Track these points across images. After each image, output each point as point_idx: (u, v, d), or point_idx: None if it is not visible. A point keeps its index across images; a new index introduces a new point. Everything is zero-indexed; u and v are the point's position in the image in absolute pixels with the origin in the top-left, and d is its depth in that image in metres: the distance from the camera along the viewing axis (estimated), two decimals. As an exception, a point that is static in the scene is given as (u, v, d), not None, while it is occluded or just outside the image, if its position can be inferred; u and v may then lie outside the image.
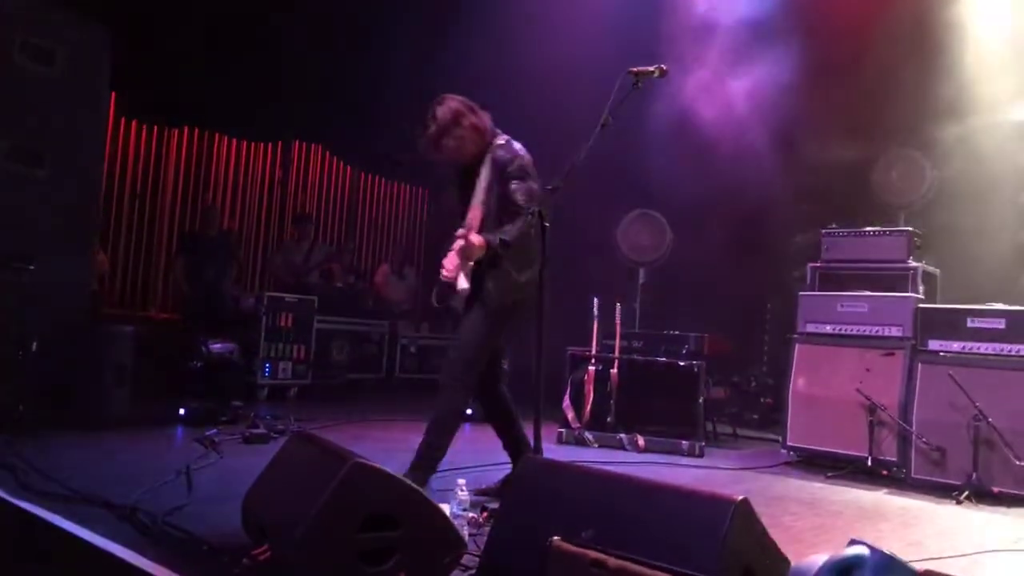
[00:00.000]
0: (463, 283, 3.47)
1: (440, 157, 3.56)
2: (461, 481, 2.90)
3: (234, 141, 9.53)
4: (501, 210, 3.45)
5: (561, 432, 5.56)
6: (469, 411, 6.29)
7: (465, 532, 2.72)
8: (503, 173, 3.47)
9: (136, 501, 2.93)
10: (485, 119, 3.59)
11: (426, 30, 8.56)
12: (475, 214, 3.48)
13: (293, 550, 2.15)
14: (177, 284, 7.76)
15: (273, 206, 9.91)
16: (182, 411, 5.17)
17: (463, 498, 2.83)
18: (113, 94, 7.28)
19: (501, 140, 3.59)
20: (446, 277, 3.49)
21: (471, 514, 2.88)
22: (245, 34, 7.88)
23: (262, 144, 9.76)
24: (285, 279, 8.12)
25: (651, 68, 3.29)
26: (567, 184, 3.08)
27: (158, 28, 7.28)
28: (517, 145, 3.58)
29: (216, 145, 9.41)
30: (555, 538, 1.85)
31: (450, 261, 3.48)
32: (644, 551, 2.01)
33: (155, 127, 8.83)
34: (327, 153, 10.36)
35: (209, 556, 2.47)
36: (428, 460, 3.53)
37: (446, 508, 2.77)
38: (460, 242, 3.40)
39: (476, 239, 3.36)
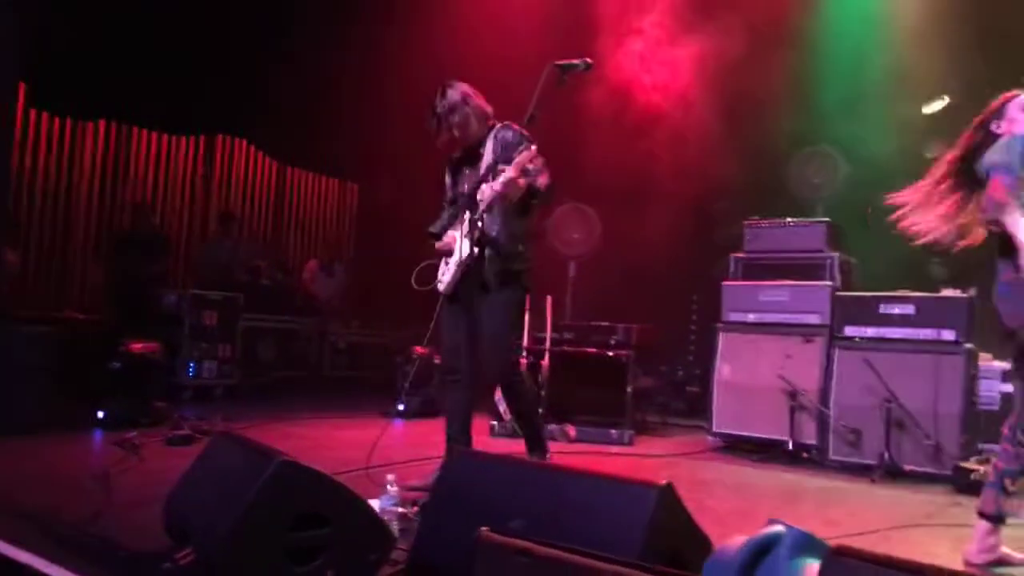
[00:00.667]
0: (467, 248, 3.50)
1: (446, 137, 3.66)
2: (391, 476, 2.89)
3: (154, 135, 9.22)
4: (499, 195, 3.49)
5: (493, 425, 5.58)
6: (401, 407, 6.30)
7: (395, 527, 2.71)
8: (508, 148, 3.56)
9: (51, 508, 2.82)
10: (486, 104, 3.71)
11: (353, 24, 8.46)
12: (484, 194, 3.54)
13: (217, 551, 2.11)
14: (99, 283, 7.49)
15: (196, 202, 9.63)
16: (100, 414, 4.99)
17: (393, 493, 2.82)
18: (22, 84, 6.97)
19: (500, 124, 3.71)
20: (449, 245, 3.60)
21: (401, 509, 2.87)
22: (163, 24, 7.63)
23: (184, 138, 9.47)
24: (210, 276, 7.91)
25: (577, 61, 3.33)
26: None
27: (70, 15, 6.98)
28: (515, 125, 3.65)
29: (135, 139, 9.09)
30: (483, 529, 1.86)
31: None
32: (572, 539, 2.04)
33: (68, 119, 8.47)
34: (252, 148, 10.12)
35: (129, 562, 2.40)
36: (542, 440, 3.82)
37: (375, 504, 2.76)
38: (496, 185, 3.40)
39: (516, 177, 3.35)
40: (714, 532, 2.34)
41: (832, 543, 2.68)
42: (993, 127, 3.06)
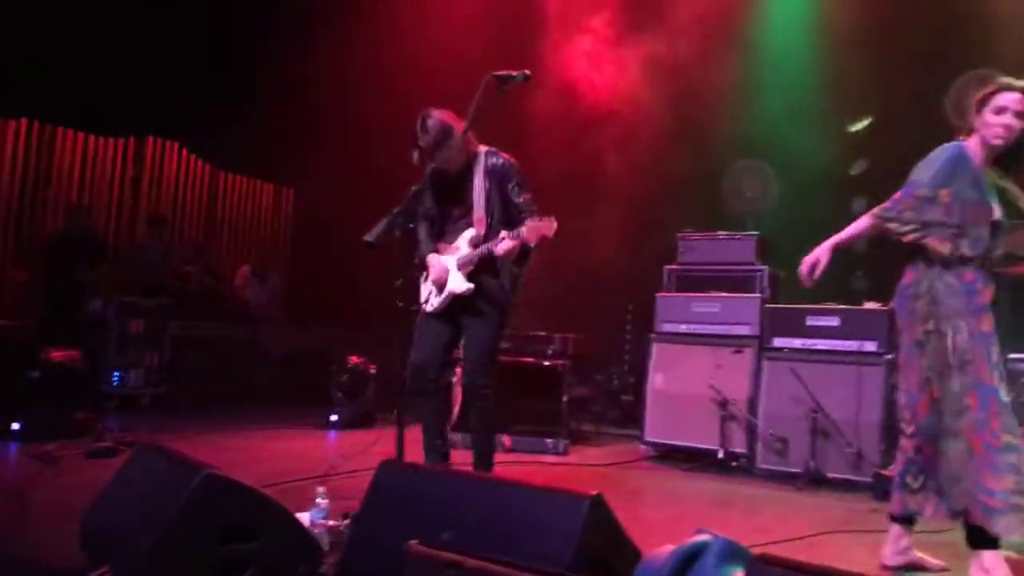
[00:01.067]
0: (463, 285, 3.67)
1: (431, 168, 3.67)
2: (321, 489, 2.84)
3: (80, 135, 8.90)
4: (504, 214, 3.70)
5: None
6: (335, 417, 6.21)
7: (326, 540, 2.67)
8: (503, 180, 3.72)
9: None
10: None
11: (288, 25, 8.35)
12: (480, 219, 3.71)
13: (136, 569, 2.04)
14: (20, 287, 7.19)
15: (124, 205, 9.33)
16: (16, 425, 4.78)
17: (323, 506, 2.77)
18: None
19: (485, 148, 3.80)
20: (440, 278, 3.73)
21: (332, 522, 2.82)
22: (91, 19, 7.40)
23: (111, 140, 9.17)
24: (138, 282, 7.66)
25: (515, 72, 3.34)
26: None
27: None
28: (504, 154, 3.81)
29: (59, 139, 8.76)
30: (412, 541, 1.84)
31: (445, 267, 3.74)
32: (503, 550, 2.04)
33: (-14, 117, 8.12)
34: (184, 150, 9.86)
35: (43, 581, 2.30)
36: (492, 458, 3.86)
37: (305, 517, 2.71)
38: (464, 257, 3.67)
39: (512, 244, 3.53)
40: (645, 541, 2.37)
41: (759, 550, 2.75)
42: (972, 118, 2.96)
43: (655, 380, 5.47)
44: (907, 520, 3.02)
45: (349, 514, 3.01)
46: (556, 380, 5.63)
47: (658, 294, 5.73)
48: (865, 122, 6.79)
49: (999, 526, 2.67)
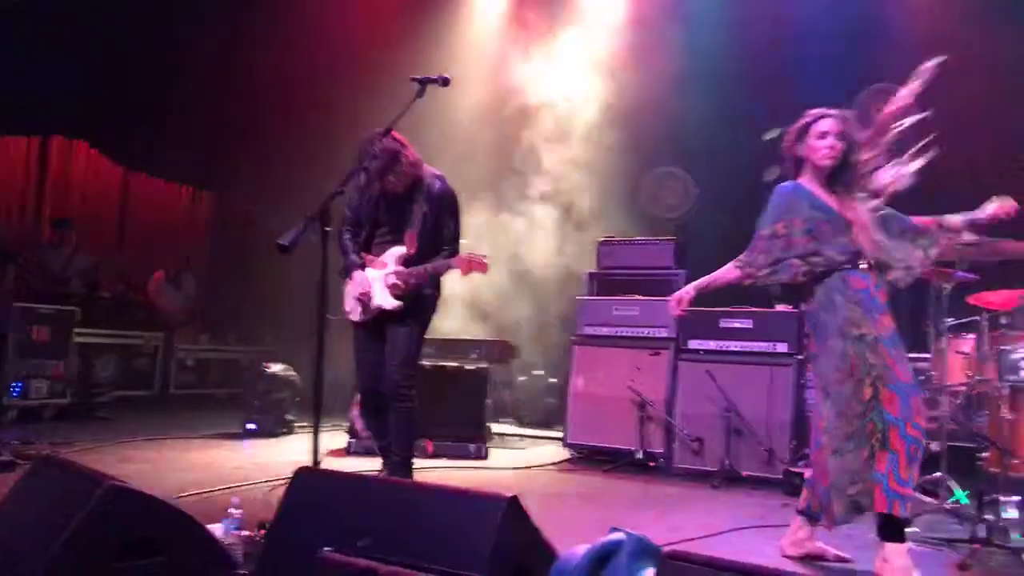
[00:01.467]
0: (391, 303, 3.80)
1: (376, 188, 3.84)
2: (235, 499, 2.77)
3: (-21, 134, 8.45)
4: (436, 237, 3.87)
5: (351, 443, 5.47)
6: (251, 426, 6.06)
7: (239, 552, 2.60)
8: (442, 208, 3.89)
9: None
10: (415, 152, 3.87)
11: (207, 23, 8.12)
12: (412, 239, 3.83)
13: (33, 588, 1.94)
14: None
15: (27, 207, 8.89)
16: (-95, 440, 4.49)
17: (236, 516, 2.70)
18: None
19: (433, 171, 3.94)
20: (364, 295, 3.84)
21: (246, 532, 2.75)
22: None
23: (13, 139, 8.72)
24: (41, 288, 7.31)
25: (434, 76, 3.35)
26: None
27: None
28: (446, 181, 3.97)
29: (-46, 138, 8.30)
30: (325, 549, 1.82)
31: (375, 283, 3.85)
32: (420, 555, 2.03)
33: None
34: (93, 150, 9.46)
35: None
36: (409, 466, 3.91)
37: (218, 528, 2.64)
38: (394, 283, 3.80)
39: (406, 286, 3.79)
40: (563, 542, 2.39)
41: (672, 548, 2.81)
42: (796, 150, 3.13)
43: (576, 383, 5.54)
44: (810, 516, 3.14)
45: (265, 524, 2.95)
46: (478, 384, 5.63)
47: (579, 297, 5.81)
48: (776, 131, 7.02)
49: (902, 509, 2.80)
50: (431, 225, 3.86)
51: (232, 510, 2.74)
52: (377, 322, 3.87)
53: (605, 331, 5.59)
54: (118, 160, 9.64)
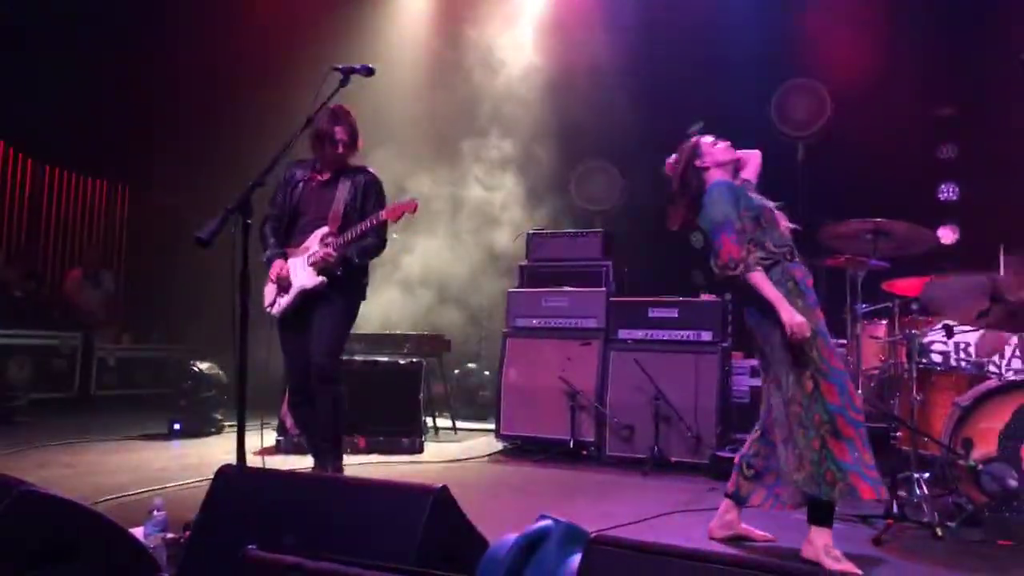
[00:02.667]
0: (313, 280, 3.73)
1: (327, 156, 3.83)
2: (158, 501, 2.69)
3: None
4: (360, 232, 3.76)
5: (280, 440, 5.38)
6: (178, 426, 5.90)
7: (163, 554, 2.54)
8: (367, 193, 3.87)
9: None
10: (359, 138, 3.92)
11: (124, 11, 7.83)
12: (336, 217, 3.80)
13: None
14: None
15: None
16: None
17: (159, 518, 2.63)
18: None
19: (357, 162, 3.97)
20: (283, 278, 3.76)
21: (170, 535, 2.68)
22: None
23: (-88, 129, 8.26)
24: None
25: (357, 66, 3.31)
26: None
27: None
28: (372, 169, 4.00)
29: None
30: (250, 547, 1.79)
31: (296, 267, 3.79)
32: (348, 549, 2.02)
33: None
34: (2, 143, 9.01)
35: None
36: (340, 456, 3.88)
37: (139, 531, 2.57)
38: (324, 251, 3.72)
39: (335, 255, 3.71)
40: (495, 532, 2.40)
41: (602, 533, 2.84)
42: (697, 163, 3.27)
43: (508, 374, 5.57)
44: (737, 499, 3.23)
45: (190, 525, 2.88)
46: (412, 378, 5.60)
47: (509, 290, 5.83)
48: (699, 125, 7.18)
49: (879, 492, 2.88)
50: (356, 209, 3.83)
51: (155, 512, 2.67)
52: (300, 312, 3.79)
53: (536, 323, 5.63)
54: (29, 153, 9.21)
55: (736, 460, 3.30)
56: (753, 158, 3.39)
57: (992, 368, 4.01)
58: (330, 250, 3.71)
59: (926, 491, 3.66)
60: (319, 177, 3.90)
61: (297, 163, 3.98)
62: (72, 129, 8.25)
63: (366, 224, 3.73)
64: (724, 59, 6.86)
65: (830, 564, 2.82)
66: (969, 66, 6.34)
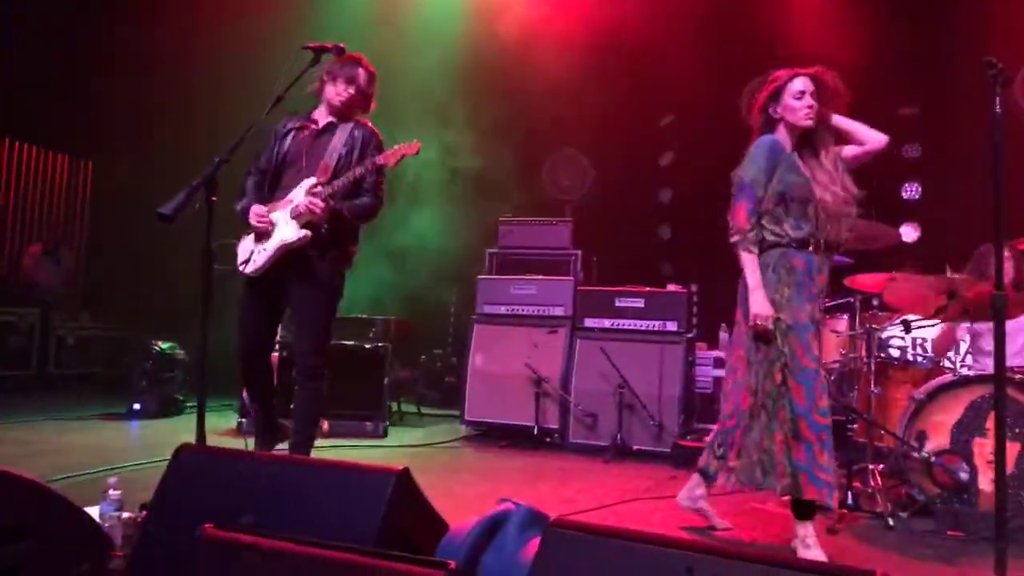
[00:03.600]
0: (296, 233, 3.34)
1: (342, 95, 3.49)
2: (112, 480, 2.66)
3: None
4: (353, 181, 3.39)
5: (242, 422, 5.33)
6: (137, 406, 5.82)
7: (119, 534, 2.50)
8: (365, 148, 3.49)
9: None
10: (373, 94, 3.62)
11: None
12: (326, 168, 3.43)
13: None
14: None
15: None
16: None
17: (115, 498, 2.60)
18: None
19: (365, 119, 3.62)
20: (261, 223, 3.38)
21: (127, 514, 2.65)
22: None
23: None
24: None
25: (329, 45, 3.26)
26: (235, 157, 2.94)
27: None
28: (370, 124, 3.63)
29: None
30: (207, 525, 1.77)
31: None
32: (307, 530, 2.00)
33: None
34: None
35: None
36: (310, 449, 3.58)
37: (95, 510, 2.53)
38: (309, 200, 3.32)
39: (322, 205, 3.31)
40: (457, 516, 2.41)
41: (564, 518, 2.85)
42: (771, 111, 3.04)
43: (475, 360, 5.57)
44: (706, 475, 3.21)
45: (147, 505, 2.84)
46: (377, 362, 5.58)
47: (479, 277, 5.83)
48: (670, 117, 7.26)
49: (829, 496, 2.87)
50: (351, 163, 3.44)
51: (110, 491, 2.63)
52: (274, 278, 3.41)
53: (504, 310, 5.63)
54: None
55: (709, 438, 3.27)
56: (866, 139, 3.09)
57: (947, 363, 4.10)
58: (317, 200, 3.30)
59: (880, 482, 3.74)
60: (313, 126, 3.54)
61: (293, 115, 3.61)
62: (33, 102, 8.05)
63: (361, 169, 3.34)
64: (695, 49, 6.89)
65: (801, 552, 2.87)
66: (932, 66, 6.45)
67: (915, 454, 3.50)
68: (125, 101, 8.14)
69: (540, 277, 5.60)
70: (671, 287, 5.40)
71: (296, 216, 3.35)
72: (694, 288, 5.72)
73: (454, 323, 7.90)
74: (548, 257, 5.73)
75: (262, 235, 3.42)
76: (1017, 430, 3.34)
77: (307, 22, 7.34)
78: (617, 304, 5.31)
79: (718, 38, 6.81)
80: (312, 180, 3.40)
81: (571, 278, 5.55)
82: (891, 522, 3.42)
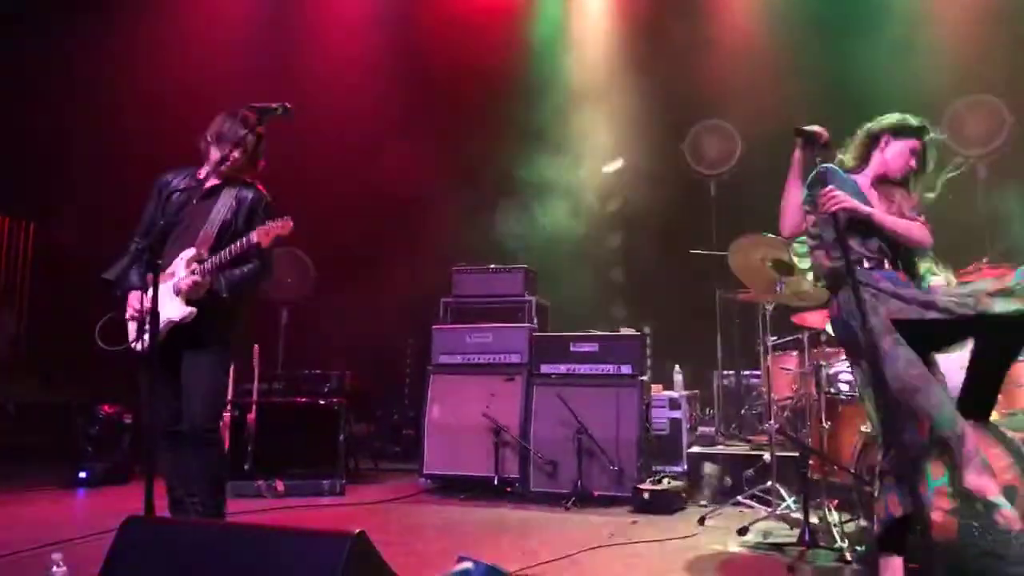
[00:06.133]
0: (181, 310, 3.24)
1: (231, 157, 3.33)
2: (56, 556, 2.56)
3: None
4: (233, 255, 3.27)
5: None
6: (83, 474, 5.62)
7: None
8: (252, 211, 3.39)
9: None
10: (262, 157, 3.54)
11: (29, 35, 7.57)
12: (207, 237, 3.32)
13: None
14: None
15: None
16: None
17: (60, 574, 2.50)
18: None
19: (253, 177, 3.52)
20: (135, 316, 3.24)
21: (71, 591, 2.55)
22: None
23: None
24: None
25: (275, 105, 3.23)
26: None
27: None
28: (260, 186, 3.52)
29: None
30: (155, 604, 1.72)
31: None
32: (262, 601, 1.96)
33: None
34: None
35: None
36: (223, 517, 3.34)
37: (37, 589, 2.43)
38: (190, 280, 3.22)
39: (203, 283, 3.23)
40: (419, 574, 2.38)
41: (528, 572, 2.84)
42: (881, 145, 3.05)
43: (432, 412, 5.53)
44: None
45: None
46: (332, 419, 5.50)
47: (434, 327, 5.81)
48: (618, 163, 7.42)
49: None
50: (236, 230, 3.33)
51: (54, 568, 2.53)
52: (170, 348, 3.25)
53: (460, 359, 5.62)
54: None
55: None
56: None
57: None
58: (196, 277, 3.22)
59: (836, 517, 3.79)
60: (201, 188, 3.38)
61: (172, 171, 3.49)
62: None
63: (236, 247, 3.22)
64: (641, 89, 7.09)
65: None
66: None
67: (867, 488, 3.55)
68: (66, 162, 8.02)
69: (495, 325, 5.61)
70: (624, 330, 5.46)
71: (178, 293, 3.26)
72: (647, 330, 5.78)
73: (411, 375, 7.84)
74: (502, 304, 5.75)
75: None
76: (963, 459, 3.41)
77: (258, 83, 7.35)
78: (572, 349, 5.34)
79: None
80: (191, 252, 3.30)
81: (526, 325, 5.57)
82: (848, 556, 3.45)
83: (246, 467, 5.25)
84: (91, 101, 7.88)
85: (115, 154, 7.86)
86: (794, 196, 3.02)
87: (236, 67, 7.52)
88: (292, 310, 7.30)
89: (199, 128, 3.54)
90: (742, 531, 3.95)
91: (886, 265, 2.91)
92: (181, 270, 3.28)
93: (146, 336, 3.12)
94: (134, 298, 3.26)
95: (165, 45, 7.79)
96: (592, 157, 7.45)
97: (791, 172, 3.01)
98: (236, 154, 3.33)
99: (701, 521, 4.28)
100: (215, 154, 3.39)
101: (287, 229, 3.22)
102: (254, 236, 3.19)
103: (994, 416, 3.37)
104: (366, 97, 7.75)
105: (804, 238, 3.17)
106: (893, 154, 3.01)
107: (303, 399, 5.64)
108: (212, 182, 3.42)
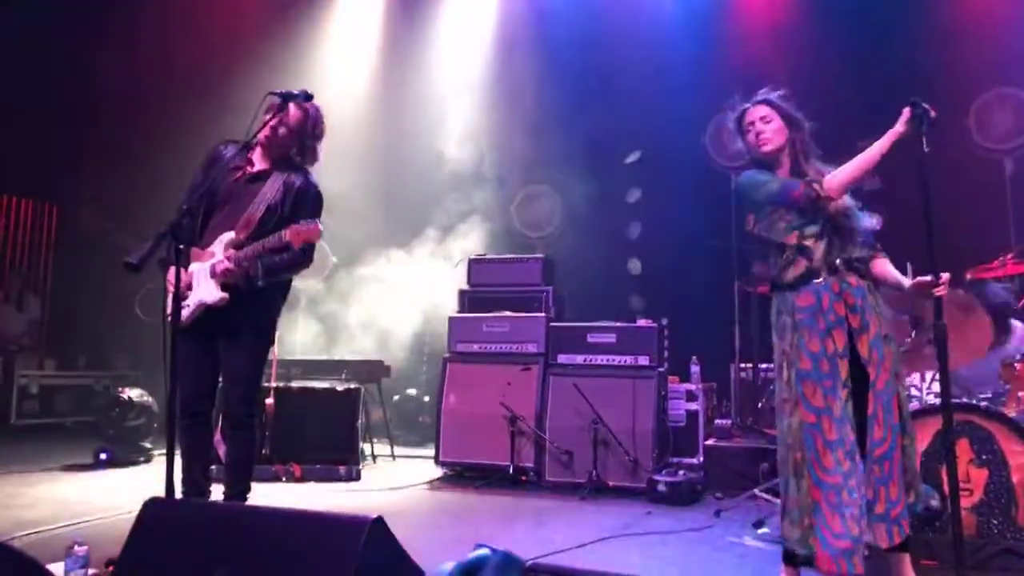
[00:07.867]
0: (215, 294, 3.27)
1: (276, 138, 3.37)
2: (77, 536, 2.60)
3: None
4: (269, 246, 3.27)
5: (213, 468, 5.21)
6: (105, 455, 5.70)
7: (84, 592, 2.45)
8: (299, 200, 3.38)
9: None
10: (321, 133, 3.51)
11: (54, 23, 7.64)
12: (249, 221, 3.32)
13: None
14: None
15: None
16: None
17: (80, 554, 2.54)
18: None
19: (306, 167, 3.50)
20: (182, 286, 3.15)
21: (92, 571, 2.59)
22: None
23: None
24: None
25: (296, 91, 3.27)
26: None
27: None
28: (313, 179, 3.49)
29: None
30: (177, 583, 1.74)
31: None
32: (280, 583, 1.98)
33: None
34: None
35: None
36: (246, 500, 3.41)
37: (59, 568, 2.47)
38: (224, 266, 3.25)
39: (235, 271, 3.24)
40: (432, 561, 2.39)
41: (545, 560, 2.85)
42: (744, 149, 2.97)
43: (449, 400, 5.54)
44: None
45: (114, 561, 2.78)
46: (350, 405, 5.53)
47: (450, 315, 5.82)
48: (636, 155, 7.38)
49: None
50: (281, 216, 3.33)
51: (76, 547, 2.57)
52: (203, 328, 3.31)
53: (476, 348, 5.62)
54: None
55: None
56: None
57: (914, 391, 4.16)
58: (230, 265, 3.24)
59: (854, 512, 3.75)
60: (249, 168, 3.40)
61: (231, 142, 3.47)
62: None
63: (273, 239, 3.22)
64: (663, 81, 7.03)
65: None
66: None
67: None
68: (91, 148, 8.10)
69: (512, 314, 5.61)
70: (642, 322, 5.44)
71: (214, 276, 3.29)
72: (664, 322, 5.75)
73: (428, 362, 7.86)
74: (520, 294, 5.74)
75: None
76: (985, 457, 3.39)
77: (274, 67, 7.37)
78: (589, 340, 5.33)
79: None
80: (231, 235, 3.32)
81: (543, 315, 5.57)
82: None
83: (264, 451, 5.29)
84: (115, 88, 7.95)
85: (138, 139, 7.93)
86: (867, 171, 2.74)
87: (261, 53, 7.56)
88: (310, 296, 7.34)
89: (226, 111, 3.56)
90: (757, 524, 3.93)
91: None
92: (220, 252, 3.31)
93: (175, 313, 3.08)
94: (172, 272, 3.18)
95: (195, 31, 7.84)
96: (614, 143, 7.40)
97: (882, 144, 2.68)
98: (290, 132, 3.36)
99: (717, 513, 4.27)
100: (261, 136, 3.35)
101: (316, 234, 3.23)
102: (287, 234, 3.19)
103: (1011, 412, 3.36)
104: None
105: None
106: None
107: (321, 385, 5.67)
108: (262, 164, 3.45)
